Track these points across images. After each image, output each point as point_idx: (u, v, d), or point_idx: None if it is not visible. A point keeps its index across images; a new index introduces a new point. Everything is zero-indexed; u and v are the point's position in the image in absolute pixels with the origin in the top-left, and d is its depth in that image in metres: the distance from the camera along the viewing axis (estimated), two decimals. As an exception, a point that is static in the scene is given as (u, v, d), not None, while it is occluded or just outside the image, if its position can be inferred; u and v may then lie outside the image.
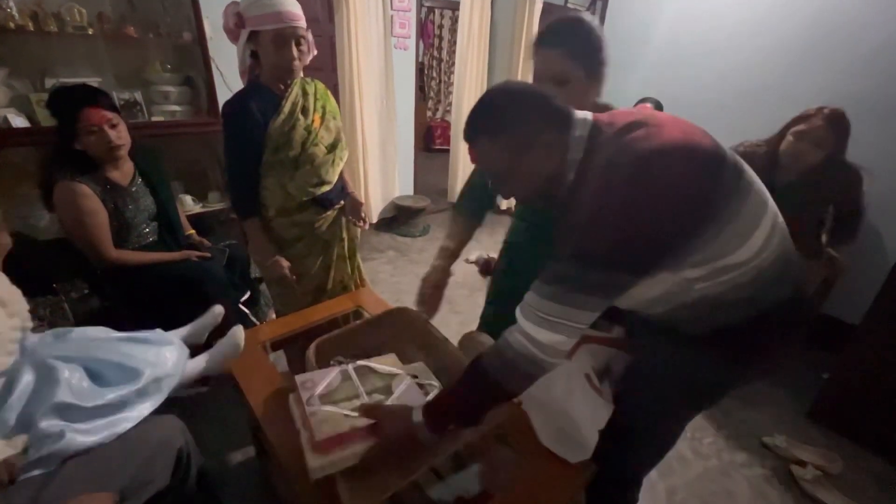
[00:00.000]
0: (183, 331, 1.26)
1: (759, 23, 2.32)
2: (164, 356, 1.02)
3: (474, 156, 0.78)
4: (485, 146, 0.75)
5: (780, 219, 0.76)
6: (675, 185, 0.62)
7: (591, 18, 0.97)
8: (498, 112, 0.73)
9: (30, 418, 0.79)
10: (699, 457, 1.59)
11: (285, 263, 1.39)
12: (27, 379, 0.82)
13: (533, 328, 0.68)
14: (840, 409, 1.71)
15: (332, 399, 0.89)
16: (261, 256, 1.41)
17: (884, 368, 1.56)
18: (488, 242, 3.06)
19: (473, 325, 1.39)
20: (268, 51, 1.21)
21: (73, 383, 0.84)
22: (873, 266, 1.98)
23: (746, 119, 2.40)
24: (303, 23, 1.22)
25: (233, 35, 1.25)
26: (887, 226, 2.03)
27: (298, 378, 0.93)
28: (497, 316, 1.33)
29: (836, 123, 1.49)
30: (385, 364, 1.01)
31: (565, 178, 0.73)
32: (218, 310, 1.33)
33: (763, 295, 0.73)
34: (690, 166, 0.63)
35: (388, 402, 0.89)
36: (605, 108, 1.00)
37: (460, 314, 2.35)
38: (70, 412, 0.82)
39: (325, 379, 0.93)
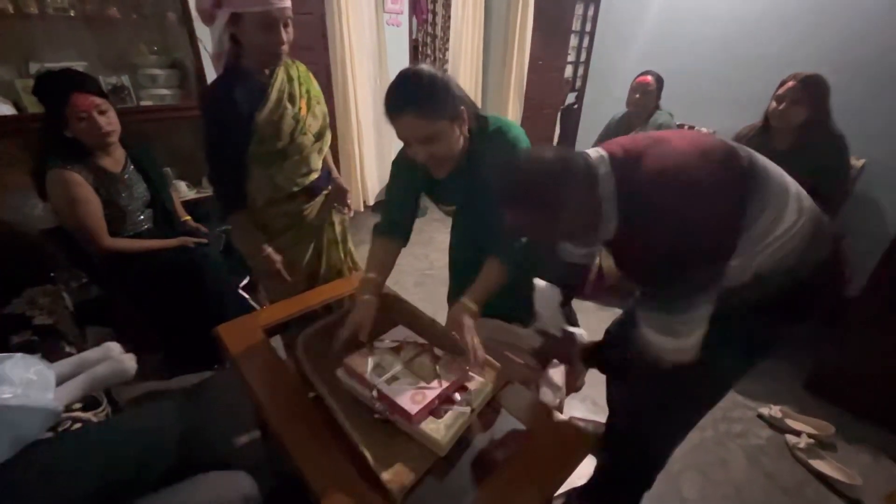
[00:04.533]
0: (65, 364, 1.05)
1: (760, -9, 2.25)
2: None
3: (512, 222, 0.81)
4: (521, 216, 0.79)
5: (801, 188, 0.82)
6: (711, 181, 0.70)
7: (427, 67, 0.93)
8: (527, 187, 0.75)
9: None
10: (696, 428, 1.60)
11: (276, 257, 1.34)
12: None
13: (667, 340, 0.77)
14: (836, 381, 1.73)
15: (396, 377, 0.95)
16: (250, 250, 1.35)
17: (880, 341, 1.58)
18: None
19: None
20: (253, 34, 1.13)
21: None
22: (872, 239, 1.97)
23: (746, 89, 2.36)
24: (290, 3, 1.15)
25: (207, 16, 1.15)
26: (886, 198, 2.02)
27: (342, 375, 0.98)
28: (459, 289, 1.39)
29: (810, 83, 1.63)
30: (398, 337, 1.07)
31: (604, 212, 0.77)
32: (113, 350, 1.10)
33: (803, 262, 0.79)
34: (714, 165, 0.71)
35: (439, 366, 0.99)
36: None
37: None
38: None
39: (369, 362, 0.97)
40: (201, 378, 1.72)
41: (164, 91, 1.98)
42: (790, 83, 1.66)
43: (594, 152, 0.79)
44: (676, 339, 0.76)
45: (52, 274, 1.58)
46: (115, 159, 1.50)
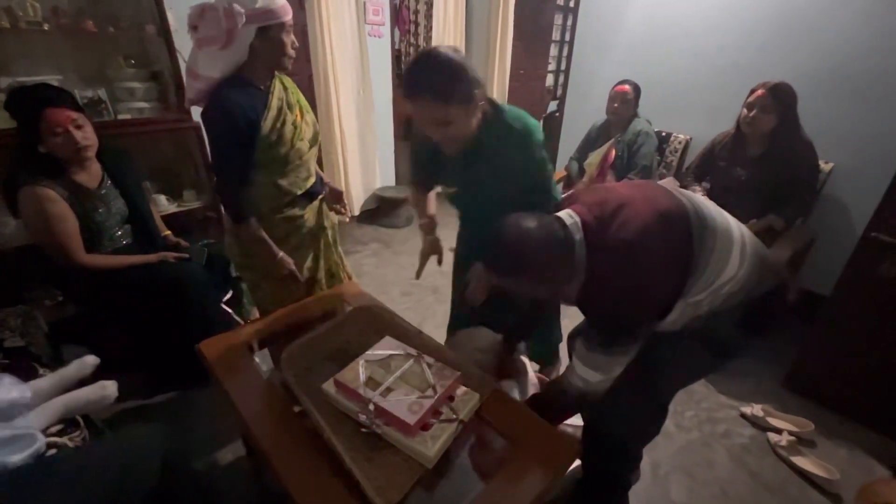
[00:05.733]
0: (43, 383, 1.08)
1: (730, 3, 2.34)
2: None
3: (501, 283, 0.91)
4: (509, 281, 0.88)
5: (746, 231, 0.95)
6: (664, 252, 0.82)
7: (444, 50, 0.93)
8: (515, 254, 0.84)
9: None
10: (681, 430, 1.65)
11: (290, 260, 1.38)
12: None
13: (595, 375, 0.92)
14: (814, 378, 1.78)
15: (390, 388, 0.94)
16: (266, 256, 1.35)
17: (853, 336, 1.63)
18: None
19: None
20: (276, 43, 1.19)
21: None
22: (842, 238, 2.05)
23: (719, 96, 2.44)
24: None
25: (231, 36, 1.14)
26: (854, 199, 2.10)
27: (330, 390, 0.96)
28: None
29: (778, 91, 1.69)
30: (388, 348, 1.07)
31: (578, 273, 0.87)
32: (89, 360, 1.17)
33: (753, 294, 0.92)
34: (668, 234, 0.83)
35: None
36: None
37: (445, 303, 2.35)
38: None
39: (361, 376, 0.96)
40: (183, 394, 1.68)
41: (143, 104, 1.95)
42: (759, 91, 1.72)
43: (567, 217, 0.88)
44: (600, 375, 0.92)
45: (24, 294, 1.54)
46: (91, 175, 1.46)
